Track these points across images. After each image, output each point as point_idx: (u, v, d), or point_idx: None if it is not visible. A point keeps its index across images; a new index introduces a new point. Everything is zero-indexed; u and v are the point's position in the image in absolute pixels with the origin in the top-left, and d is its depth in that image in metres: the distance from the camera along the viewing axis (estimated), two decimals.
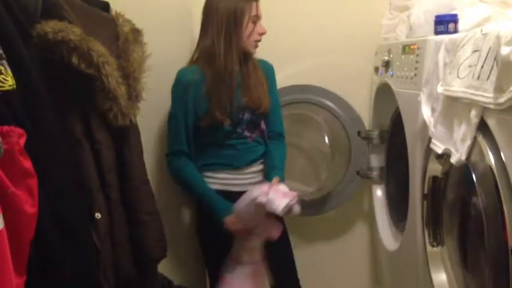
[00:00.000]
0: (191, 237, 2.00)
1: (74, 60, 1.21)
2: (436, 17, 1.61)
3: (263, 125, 1.86)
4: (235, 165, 1.81)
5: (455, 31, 1.56)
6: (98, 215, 1.23)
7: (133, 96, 1.35)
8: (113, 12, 1.48)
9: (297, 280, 1.93)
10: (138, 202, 1.36)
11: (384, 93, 2.01)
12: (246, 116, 1.80)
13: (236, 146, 1.81)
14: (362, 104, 2.24)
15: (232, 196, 1.77)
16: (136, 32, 1.44)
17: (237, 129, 1.80)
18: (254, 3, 1.78)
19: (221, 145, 1.80)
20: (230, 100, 1.76)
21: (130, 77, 1.35)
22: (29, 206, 0.94)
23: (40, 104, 1.12)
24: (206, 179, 1.81)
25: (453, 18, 1.59)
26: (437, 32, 1.59)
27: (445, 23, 1.59)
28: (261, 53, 1.91)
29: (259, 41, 1.82)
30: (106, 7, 1.49)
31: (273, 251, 1.83)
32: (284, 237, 1.87)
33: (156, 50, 1.48)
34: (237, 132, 1.80)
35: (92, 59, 1.22)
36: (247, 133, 1.82)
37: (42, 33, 1.18)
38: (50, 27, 1.19)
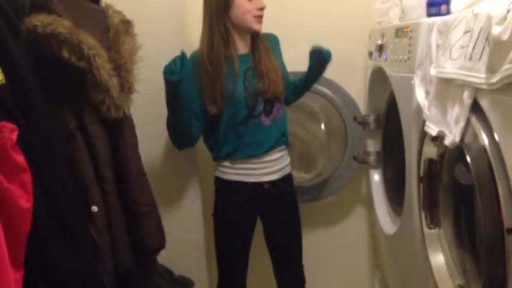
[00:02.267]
0: (191, 227, 2.01)
1: (65, 53, 1.21)
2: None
3: (277, 107, 1.83)
4: (253, 153, 1.80)
5: (448, 12, 1.55)
6: (94, 208, 1.24)
7: (126, 87, 1.34)
8: (103, 4, 1.47)
9: (301, 266, 1.96)
10: (135, 194, 1.36)
11: (378, 77, 2.00)
12: (261, 100, 1.79)
13: (254, 132, 1.79)
14: (357, 88, 2.24)
15: (247, 187, 1.80)
16: (127, 23, 1.43)
17: (254, 114, 1.79)
18: None
19: (239, 133, 1.78)
20: (220, 89, 1.74)
21: (122, 68, 1.34)
22: (24, 201, 0.94)
23: (32, 98, 1.11)
24: (224, 169, 1.82)
25: (445, 0, 1.58)
26: (429, 14, 1.58)
27: (437, 4, 1.58)
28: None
29: (261, 16, 1.79)
30: None
31: (283, 232, 1.92)
32: (296, 223, 1.93)
33: (147, 41, 1.48)
34: (253, 117, 1.79)
35: (82, 52, 1.22)
36: (263, 117, 1.80)
37: (31, 27, 1.18)
38: (38, 20, 1.19)
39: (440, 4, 1.59)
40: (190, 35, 1.97)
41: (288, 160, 1.90)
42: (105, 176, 1.29)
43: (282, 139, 1.86)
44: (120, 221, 1.32)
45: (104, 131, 1.33)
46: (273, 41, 1.89)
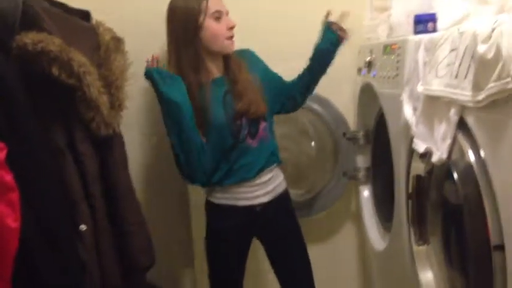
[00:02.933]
0: (181, 244, 2.00)
1: (55, 70, 1.21)
2: (415, 16, 1.63)
3: (262, 127, 1.73)
4: (244, 176, 1.71)
5: (434, 30, 1.58)
6: (82, 227, 1.23)
7: (116, 105, 1.35)
8: (94, 21, 1.48)
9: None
10: (124, 211, 1.36)
11: (367, 93, 2.02)
12: (244, 122, 1.69)
13: (242, 156, 1.70)
14: (346, 104, 2.26)
15: (238, 211, 1.73)
16: (117, 41, 1.44)
17: (239, 139, 1.69)
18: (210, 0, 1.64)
19: (228, 159, 1.68)
20: (198, 119, 1.62)
21: (112, 85, 1.35)
22: (11, 220, 0.93)
23: (21, 116, 1.11)
24: (214, 193, 1.73)
25: (432, 18, 1.61)
26: (416, 32, 1.61)
27: (424, 22, 1.61)
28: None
29: (232, 36, 1.68)
30: (86, 16, 1.49)
31: (284, 253, 1.84)
32: (298, 242, 1.86)
33: (138, 58, 1.48)
34: (239, 142, 1.69)
35: (72, 69, 1.22)
36: (249, 140, 1.70)
37: (21, 44, 1.18)
38: (29, 38, 1.19)
39: (427, 21, 1.62)
40: None
41: (280, 178, 1.82)
42: (94, 193, 1.29)
43: (272, 158, 1.78)
44: (108, 239, 1.31)
45: (93, 148, 1.33)
46: (248, 57, 1.79)
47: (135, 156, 1.50)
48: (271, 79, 1.82)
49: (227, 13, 1.68)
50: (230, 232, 1.76)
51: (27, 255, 1.02)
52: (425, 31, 1.59)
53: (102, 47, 1.39)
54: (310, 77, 1.85)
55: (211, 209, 1.77)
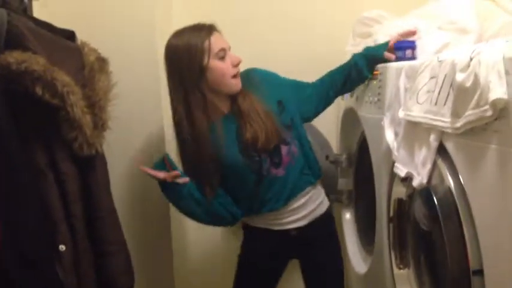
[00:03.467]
0: (162, 266, 1.98)
1: (38, 90, 1.20)
2: (395, 43, 1.67)
3: (285, 152, 1.62)
4: (272, 208, 1.63)
5: (413, 57, 1.62)
6: (62, 247, 1.21)
7: (99, 125, 1.34)
8: (79, 42, 1.48)
9: None
10: (105, 232, 1.34)
11: (350, 117, 2.05)
12: (264, 156, 1.59)
13: (268, 188, 1.61)
14: (329, 128, 2.28)
15: (273, 234, 1.67)
16: (102, 61, 1.44)
17: (263, 173, 1.59)
18: (212, 37, 1.55)
19: (252, 195, 1.62)
20: (207, 169, 1.57)
21: (96, 106, 1.34)
22: None
23: (2, 135, 1.10)
24: (251, 218, 1.69)
25: (411, 45, 1.65)
26: (396, 58, 1.65)
27: (403, 49, 1.65)
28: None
29: (237, 73, 1.58)
30: (71, 36, 1.49)
31: (320, 277, 1.77)
32: (336, 268, 1.77)
33: (122, 78, 1.49)
34: (264, 175, 1.60)
35: (56, 89, 1.22)
36: (273, 171, 1.60)
37: (5, 63, 1.18)
38: (13, 57, 1.19)
39: (406, 49, 1.66)
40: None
41: (319, 199, 1.72)
42: (75, 213, 1.27)
43: (304, 179, 1.66)
44: (88, 259, 1.29)
45: (75, 167, 1.32)
46: (252, 78, 1.66)
47: (117, 177, 1.49)
48: (293, 88, 1.72)
49: (229, 48, 1.59)
50: (264, 254, 1.72)
51: (4, 276, 1.00)
52: (404, 58, 1.63)
53: (87, 67, 1.39)
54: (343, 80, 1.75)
55: (248, 230, 1.75)
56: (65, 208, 1.26)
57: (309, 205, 1.68)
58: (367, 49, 1.74)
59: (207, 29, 1.56)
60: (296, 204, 1.65)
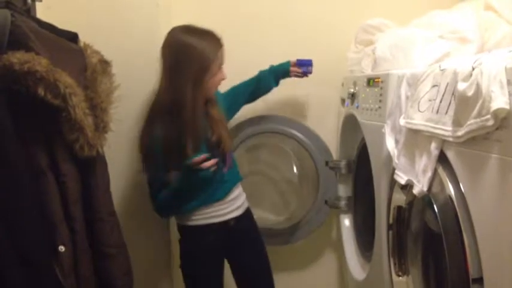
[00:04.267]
0: (160, 269, 1.98)
1: (40, 91, 1.20)
2: (298, 60, 2.01)
3: (229, 156, 1.85)
4: (217, 198, 1.79)
5: (311, 72, 2.03)
6: (61, 248, 1.21)
7: (101, 127, 1.34)
8: (82, 43, 1.48)
9: None
10: (104, 235, 1.34)
11: (350, 124, 2.05)
12: (217, 155, 1.74)
13: (218, 181, 1.77)
14: (329, 134, 2.29)
15: (214, 228, 1.78)
16: (105, 63, 1.44)
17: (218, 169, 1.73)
18: (221, 50, 1.74)
19: (207, 190, 1.76)
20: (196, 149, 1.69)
21: (97, 107, 1.34)
22: None
23: (1, 134, 1.10)
24: (190, 216, 1.78)
25: (310, 62, 2.03)
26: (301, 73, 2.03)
27: (306, 65, 2.03)
28: (229, 85, 1.93)
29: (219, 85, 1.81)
30: (74, 38, 1.49)
31: (253, 269, 1.92)
32: (265, 257, 1.93)
33: (125, 81, 1.49)
34: (216, 171, 1.73)
35: (58, 90, 1.22)
36: (224, 170, 1.80)
37: (8, 64, 1.17)
38: (16, 58, 1.19)
39: (308, 65, 2.03)
40: None
41: (244, 194, 1.92)
42: (75, 215, 1.27)
43: (237, 176, 1.90)
44: (87, 262, 1.29)
45: (75, 169, 1.32)
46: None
47: (118, 179, 1.49)
48: (225, 100, 1.94)
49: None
50: (206, 251, 1.80)
51: (2, 277, 1.00)
52: (307, 72, 2.04)
53: (89, 69, 1.39)
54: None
55: (187, 232, 1.81)
56: (64, 209, 1.26)
57: (240, 197, 1.88)
58: (273, 66, 2.05)
59: (219, 42, 1.74)
60: (233, 195, 1.84)
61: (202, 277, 1.83)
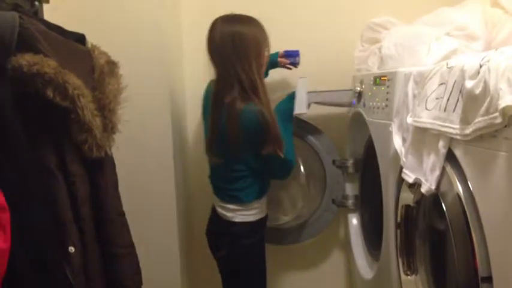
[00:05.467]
0: (169, 267, 1.99)
1: (49, 93, 1.21)
2: (285, 51, 2.09)
3: None
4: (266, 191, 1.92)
5: (299, 62, 2.12)
6: (71, 249, 1.21)
7: (109, 127, 1.34)
8: (89, 45, 1.48)
9: None
10: (113, 235, 1.34)
11: (357, 122, 2.05)
12: None
13: None
14: (336, 132, 2.28)
15: (266, 220, 1.93)
16: (112, 64, 1.45)
17: None
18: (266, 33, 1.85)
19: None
20: None
21: (105, 108, 1.35)
22: (1, 241, 0.92)
23: (12, 136, 1.11)
24: (251, 211, 1.85)
25: (297, 53, 2.11)
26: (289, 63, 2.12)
27: (293, 56, 2.10)
28: None
29: None
30: (82, 39, 1.50)
31: None
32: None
33: (132, 82, 1.49)
34: None
35: (67, 92, 1.22)
36: None
37: (17, 66, 1.18)
38: (25, 60, 1.19)
39: (295, 56, 2.09)
40: (174, 77, 2.00)
41: None
42: (84, 216, 1.27)
43: None
44: (97, 262, 1.29)
45: (84, 170, 1.32)
46: None
47: (126, 179, 1.50)
48: None
49: None
50: (263, 245, 1.92)
51: (14, 278, 1.00)
52: (295, 62, 2.11)
53: (97, 71, 1.40)
54: None
55: (247, 229, 1.86)
56: (74, 209, 1.26)
57: None
58: None
59: (263, 26, 1.85)
60: None
61: (264, 270, 1.92)
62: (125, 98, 1.44)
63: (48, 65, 1.21)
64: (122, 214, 1.43)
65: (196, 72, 2.27)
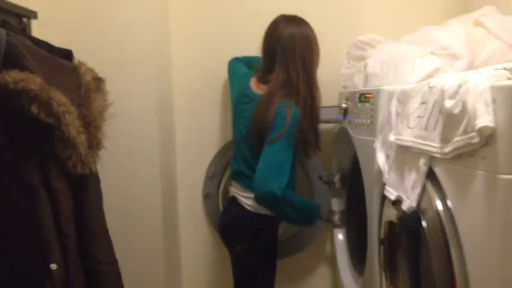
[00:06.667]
0: (153, 285, 1.98)
1: (34, 109, 1.22)
2: None
3: None
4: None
5: None
6: (53, 266, 1.21)
7: (94, 144, 1.35)
8: (76, 61, 1.50)
9: None
10: (96, 252, 1.35)
11: (343, 138, 2.07)
12: None
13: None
14: (323, 148, 2.30)
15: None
16: (99, 81, 1.46)
17: None
18: None
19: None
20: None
21: (91, 125, 1.36)
22: None
23: None
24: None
25: None
26: None
27: None
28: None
29: None
30: (69, 55, 1.51)
31: None
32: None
33: (119, 98, 1.51)
34: None
35: (52, 109, 1.23)
36: None
37: (2, 83, 1.19)
38: (11, 77, 1.20)
39: None
40: (163, 93, 2.01)
41: None
42: (67, 233, 1.28)
43: None
44: (80, 280, 1.29)
45: (68, 186, 1.32)
46: None
47: (110, 196, 1.50)
48: None
49: None
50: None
51: None
52: None
53: (83, 87, 1.41)
54: None
55: (274, 224, 1.91)
56: (57, 226, 1.26)
57: None
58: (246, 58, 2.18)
59: None
60: None
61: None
62: (111, 114, 1.45)
63: (34, 81, 1.22)
64: (106, 231, 1.43)
65: (186, 87, 2.29)
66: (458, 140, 1.04)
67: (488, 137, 0.97)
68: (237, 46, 2.23)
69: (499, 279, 0.94)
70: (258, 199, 1.73)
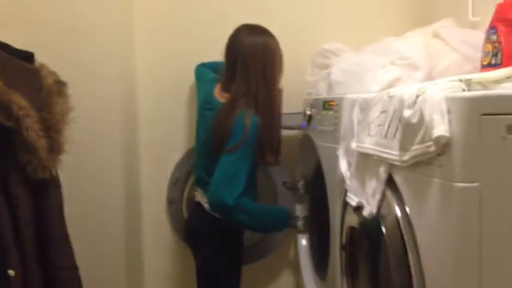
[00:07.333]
0: None
1: None
2: None
3: None
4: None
5: None
6: (11, 272, 1.19)
7: (55, 148, 1.33)
8: (37, 63, 1.47)
9: None
10: (56, 258, 1.32)
11: (307, 145, 2.09)
12: None
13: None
14: (287, 154, 2.32)
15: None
16: (61, 84, 1.44)
17: None
18: None
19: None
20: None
21: (52, 129, 1.33)
22: None
23: None
24: None
25: None
26: None
27: None
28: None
29: None
30: (30, 57, 1.48)
31: None
32: None
33: (83, 102, 1.49)
34: None
35: (11, 112, 1.21)
36: None
37: None
38: None
39: None
40: (128, 97, 1.99)
41: None
42: (26, 238, 1.25)
43: None
44: (38, 286, 1.27)
45: (28, 191, 1.30)
46: None
47: (72, 201, 1.47)
48: None
49: None
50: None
51: None
52: None
53: (44, 90, 1.39)
54: None
55: (232, 235, 1.91)
56: (15, 232, 1.23)
57: None
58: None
59: None
60: None
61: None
62: (74, 118, 1.43)
63: None
64: (66, 236, 1.41)
65: (151, 90, 2.27)
66: (416, 148, 1.07)
67: (443, 146, 1.00)
68: (203, 49, 2.23)
69: (453, 283, 0.98)
70: (211, 208, 1.77)
